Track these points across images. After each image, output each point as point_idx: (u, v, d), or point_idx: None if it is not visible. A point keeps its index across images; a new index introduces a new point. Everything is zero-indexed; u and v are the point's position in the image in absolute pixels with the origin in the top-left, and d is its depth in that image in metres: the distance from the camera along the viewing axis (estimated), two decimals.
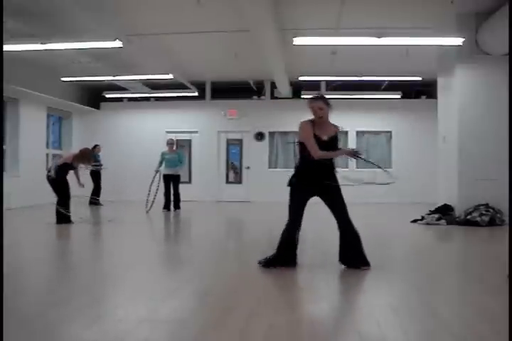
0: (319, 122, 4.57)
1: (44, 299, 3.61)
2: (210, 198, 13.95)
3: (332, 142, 4.58)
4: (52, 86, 12.26)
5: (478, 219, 7.94)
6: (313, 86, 13.02)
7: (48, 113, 13.05)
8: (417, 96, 13.79)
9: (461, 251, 6.27)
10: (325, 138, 4.55)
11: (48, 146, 13.20)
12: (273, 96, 13.99)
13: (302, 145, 4.57)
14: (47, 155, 13.07)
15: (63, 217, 8.09)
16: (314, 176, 4.54)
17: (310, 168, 4.56)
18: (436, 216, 8.35)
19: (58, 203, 8.12)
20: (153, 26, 8.64)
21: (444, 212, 8.42)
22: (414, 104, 13.63)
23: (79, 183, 8.61)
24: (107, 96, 13.96)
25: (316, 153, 4.44)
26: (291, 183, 4.63)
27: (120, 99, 14.49)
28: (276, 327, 2.92)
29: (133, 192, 12.91)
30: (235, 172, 14.46)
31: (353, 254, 4.56)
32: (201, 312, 3.31)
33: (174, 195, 10.66)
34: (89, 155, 8.56)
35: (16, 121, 11.60)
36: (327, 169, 4.58)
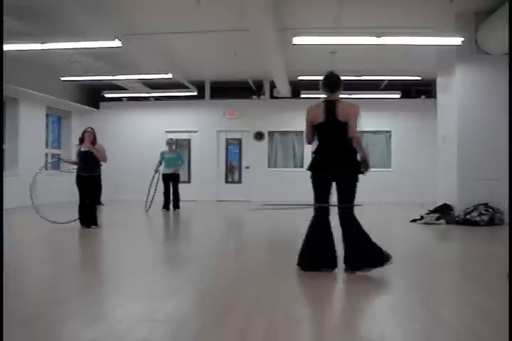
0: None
1: (44, 299, 3.61)
2: (209, 198, 13.95)
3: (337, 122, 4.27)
4: (52, 85, 12.25)
5: (477, 218, 7.94)
6: (313, 85, 13.01)
7: (47, 112, 13.05)
8: (417, 96, 13.80)
9: (461, 250, 6.26)
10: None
11: (47, 146, 13.20)
12: (272, 96, 13.98)
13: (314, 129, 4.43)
14: (46, 154, 13.07)
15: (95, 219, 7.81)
16: (326, 161, 4.29)
17: (322, 152, 4.34)
18: (436, 215, 8.35)
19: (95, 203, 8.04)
20: (153, 26, 8.65)
21: (444, 211, 8.42)
22: (414, 103, 13.64)
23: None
24: (107, 95, 13.96)
25: (307, 140, 4.53)
26: (308, 168, 4.42)
27: (119, 99, 14.49)
28: (276, 327, 2.93)
29: (132, 191, 12.91)
30: (231, 171, 14.45)
31: (351, 255, 4.27)
32: (201, 312, 3.31)
33: (174, 194, 10.65)
34: (83, 133, 8.32)
35: (16, 120, 11.60)
36: (342, 154, 4.28)
